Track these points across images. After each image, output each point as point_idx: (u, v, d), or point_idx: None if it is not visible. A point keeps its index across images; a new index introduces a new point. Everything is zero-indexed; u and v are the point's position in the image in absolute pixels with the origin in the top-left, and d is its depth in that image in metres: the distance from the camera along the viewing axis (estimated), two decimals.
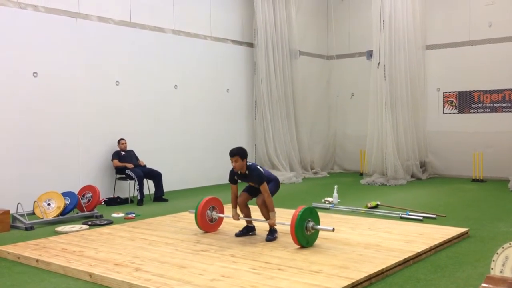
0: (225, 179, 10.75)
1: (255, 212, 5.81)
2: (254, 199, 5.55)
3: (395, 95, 11.20)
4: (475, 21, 11.42)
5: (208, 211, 5.83)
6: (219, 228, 6.00)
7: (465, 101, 11.68)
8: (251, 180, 5.44)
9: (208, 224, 5.86)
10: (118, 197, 8.62)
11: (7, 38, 7.54)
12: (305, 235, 4.98)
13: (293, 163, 11.88)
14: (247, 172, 5.37)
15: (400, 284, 4.09)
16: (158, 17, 9.70)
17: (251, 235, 5.65)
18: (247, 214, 5.64)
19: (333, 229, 5.03)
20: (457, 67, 11.70)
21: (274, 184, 5.53)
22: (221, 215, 5.91)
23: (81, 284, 4.22)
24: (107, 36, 8.85)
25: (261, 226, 5.80)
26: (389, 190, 9.87)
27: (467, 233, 5.73)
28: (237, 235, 5.62)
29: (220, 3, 10.96)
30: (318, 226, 5.07)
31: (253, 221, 5.70)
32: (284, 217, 6.39)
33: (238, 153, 5.32)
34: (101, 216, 7.16)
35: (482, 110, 11.46)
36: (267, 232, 5.49)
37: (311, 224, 5.00)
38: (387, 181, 10.74)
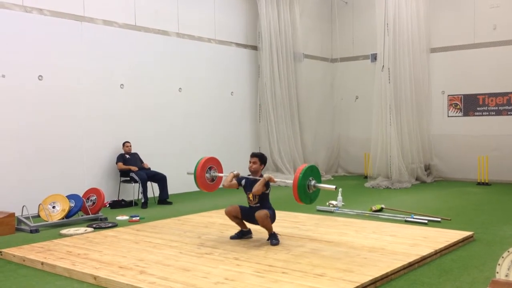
0: None
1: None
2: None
3: (400, 98, 11.18)
4: (480, 23, 11.40)
5: (207, 174, 5.87)
6: (222, 232, 6.00)
7: (470, 104, 11.65)
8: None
9: (208, 184, 5.89)
10: (122, 200, 8.64)
11: (12, 42, 7.58)
12: (307, 193, 4.97)
13: (297, 166, 11.85)
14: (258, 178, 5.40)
15: None
16: (162, 20, 9.73)
17: (247, 238, 5.61)
18: (239, 223, 5.57)
19: (336, 188, 5.02)
20: (462, 70, 11.68)
21: (272, 213, 5.40)
22: (220, 174, 5.94)
23: (85, 287, 4.22)
24: (112, 39, 8.88)
25: (263, 232, 5.79)
26: (393, 193, 9.85)
27: (472, 236, 5.71)
28: (232, 237, 5.59)
29: (224, 6, 10.99)
30: (320, 185, 5.04)
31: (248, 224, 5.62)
32: (288, 220, 6.40)
33: (258, 156, 5.53)
34: (105, 218, 7.18)
35: (487, 113, 11.42)
36: (268, 237, 5.42)
37: (313, 182, 5.00)
38: (391, 184, 10.71)
